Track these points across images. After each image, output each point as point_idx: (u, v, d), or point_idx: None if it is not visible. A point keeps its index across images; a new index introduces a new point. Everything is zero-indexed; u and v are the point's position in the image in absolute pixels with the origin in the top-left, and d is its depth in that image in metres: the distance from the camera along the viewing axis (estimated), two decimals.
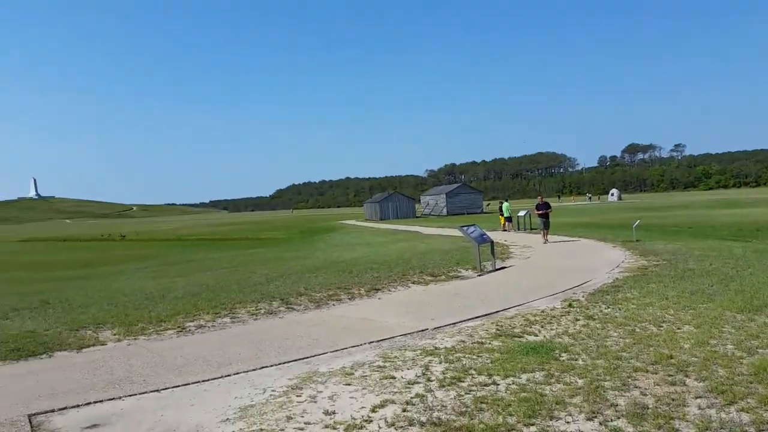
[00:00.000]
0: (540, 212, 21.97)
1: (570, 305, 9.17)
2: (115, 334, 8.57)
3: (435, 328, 8.10)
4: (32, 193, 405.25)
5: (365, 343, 7.42)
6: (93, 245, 47.28)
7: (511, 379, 5.57)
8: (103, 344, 8.04)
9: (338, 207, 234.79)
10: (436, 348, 6.93)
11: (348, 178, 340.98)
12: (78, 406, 5.54)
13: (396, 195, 72.56)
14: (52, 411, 5.42)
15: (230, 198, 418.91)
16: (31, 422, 5.11)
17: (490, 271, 13.80)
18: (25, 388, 6.10)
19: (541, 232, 21.61)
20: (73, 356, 7.48)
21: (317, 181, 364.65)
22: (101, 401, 5.64)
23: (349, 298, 10.90)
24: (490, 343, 7.01)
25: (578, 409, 4.72)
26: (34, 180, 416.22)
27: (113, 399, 5.70)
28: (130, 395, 5.79)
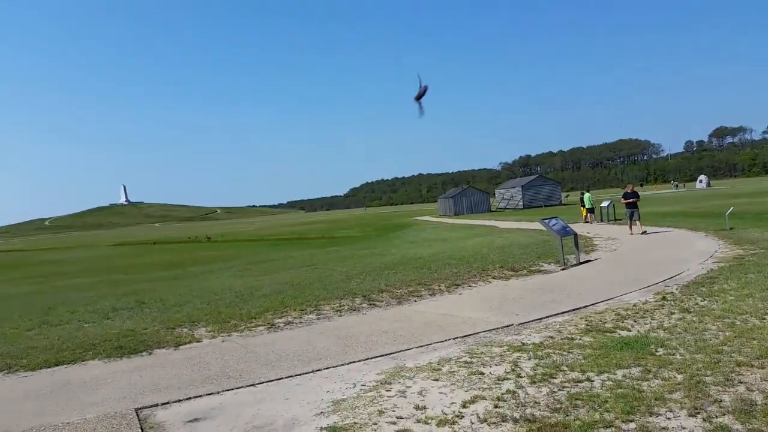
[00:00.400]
0: (628, 201, 20.82)
1: (663, 298, 8.77)
2: (209, 332, 9.00)
3: (520, 324, 7.97)
4: (122, 199, 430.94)
5: (449, 339, 7.41)
6: (181, 247, 49.73)
7: (606, 375, 5.41)
8: (198, 341, 8.45)
9: (411, 203, 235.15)
10: (523, 344, 6.82)
11: (420, 175, 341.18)
12: (180, 400, 5.86)
13: (470, 189, 71.83)
14: (156, 405, 5.76)
15: (306, 198, 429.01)
16: (138, 416, 5.45)
17: (574, 265, 13.40)
18: (130, 384, 6.51)
19: (629, 223, 20.57)
20: (172, 353, 7.92)
21: (390, 179, 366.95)
22: (200, 396, 5.94)
23: (430, 294, 10.91)
24: (580, 339, 6.83)
25: (679, 405, 4.52)
26: (124, 186, 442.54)
27: (212, 394, 5.99)
28: (228, 390, 6.06)
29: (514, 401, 4.91)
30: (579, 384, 5.22)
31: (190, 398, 5.88)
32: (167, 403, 5.80)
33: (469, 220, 46.15)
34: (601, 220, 29.08)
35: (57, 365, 7.63)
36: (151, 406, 5.72)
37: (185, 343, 8.36)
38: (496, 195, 75.85)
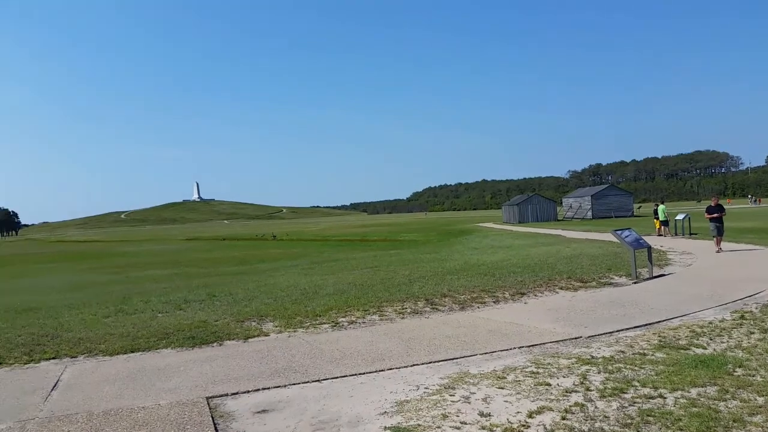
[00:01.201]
0: (713, 216, 18.97)
1: (742, 317, 8.31)
2: (276, 326, 9.24)
3: (589, 337, 7.74)
4: (195, 196, 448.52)
5: (515, 348, 7.30)
6: (249, 244, 51.24)
7: (680, 392, 5.18)
8: (266, 335, 8.69)
9: (474, 209, 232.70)
10: (593, 357, 6.63)
11: (484, 181, 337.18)
12: (248, 391, 6.04)
13: (536, 197, 70.35)
14: (226, 395, 5.95)
15: (369, 201, 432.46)
16: (209, 404, 5.65)
17: (647, 279, 12.89)
18: (201, 373, 6.76)
19: (716, 239, 19.17)
20: (241, 345, 8.17)
21: (453, 184, 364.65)
22: (268, 388, 6.10)
23: (494, 302, 10.77)
24: (653, 355, 6.57)
25: (760, 429, 4.28)
26: (197, 184, 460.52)
27: (279, 387, 6.14)
28: (294, 384, 6.20)
29: (583, 414, 4.78)
30: (651, 400, 5.02)
31: (258, 390, 6.05)
32: (236, 393, 5.99)
33: (534, 229, 45.23)
34: (676, 234, 27.84)
35: (132, 352, 8.02)
36: (221, 396, 5.92)
37: (254, 337, 8.60)
38: (563, 204, 73.91)
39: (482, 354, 7.07)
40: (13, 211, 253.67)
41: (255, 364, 7.06)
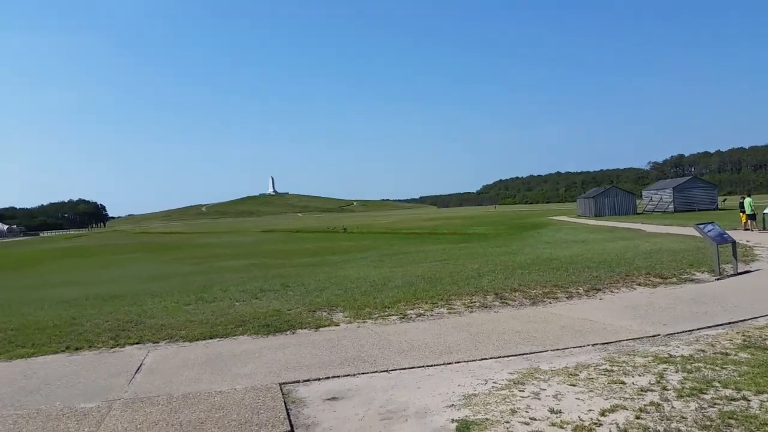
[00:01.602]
0: None
1: None
2: (346, 317, 9.41)
3: (668, 335, 7.42)
4: (270, 190, 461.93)
5: (588, 345, 7.10)
6: (320, 236, 52.26)
7: (766, 395, 4.88)
8: (336, 325, 8.87)
9: (547, 202, 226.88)
10: (670, 356, 6.35)
11: (558, 173, 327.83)
12: (319, 379, 6.20)
13: (613, 189, 67.66)
14: (298, 382, 6.14)
15: (438, 194, 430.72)
16: (281, 390, 5.85)
17: (731, 275, 12.18)
18: (275, 360, 7.00)
19: None
20: (312, 334, 8.38)
21: (525, 176, 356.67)
22: (338, 377, 6.25)
23: (567, 297, 10.50)
24: (736, 355, 6.22)
25: None
26: (272, 178, 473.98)
27: (348, 375, 6.27)
28: (363, 373, 6.31)
29: (658, 414, 4.60)
30: (733, 402, 4.77)
31: (329, 378, 6.21)
32: (308, 380, 6.16)
33: (611, 222, 43.61)
34: (764, 228, 26.09)
35: (211, 338, 8.40)
36: (293, 382, 6.11)
37: (324, 326, 8.81)
38: (643, 196, 70.78)
39: (553, 350, 6.92)
40: (101, 204, 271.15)
41: (325, 352, 7.23)
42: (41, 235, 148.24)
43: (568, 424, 4.52)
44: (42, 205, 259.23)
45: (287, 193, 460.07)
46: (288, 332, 8.56)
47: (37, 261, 37.69)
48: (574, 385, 5.48)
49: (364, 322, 8.97)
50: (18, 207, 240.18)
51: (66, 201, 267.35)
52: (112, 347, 8.12)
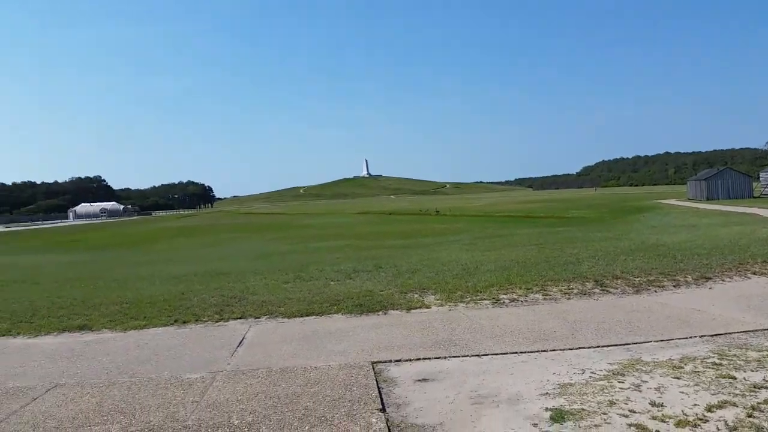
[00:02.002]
0: None
1: None
2: (437, 300, 9.41)
3: None
4: (364, 172, 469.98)
5: (696, 337, 6.66)
6: (413, 219, 52.51)
7: None
8: (427, 307, 8.89)
9: (654, 185, 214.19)
10: None
11: (667, 153, 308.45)
12: (410, 360, 6.25)
13: (727, 171, 62.70)
14: (390, 362, 6.22)
15: (535, 176, 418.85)
16: (373, 369, 5.96)
17: None
18: (367, 339, 7.13)
19: None
20: (404, 315, 8.45)
21: (630, 157, 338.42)
22: (429, 359, 6.26)
23: (674, 286, 9.88)
24: None
25: None
26: (366, 161, 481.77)
27: (439, 358, 6.27)
28: (454, 356, 6.29)
29: None
30: None
31: (420, 359, 6.25)
32: (399, 360, 6.23)
33: (724, 207, 40.52)
34: None
35: (308, 315, 8.70)
36: (385, 362, 6.20)
37: (416, 308, 8.86)
38: (760, 179, 65.06)
39: (657, 341, 6.56)
40: (208, 186, 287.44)
41: (417, 334, 7.27)
42: (153, 214, 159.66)
43: (670, 418, 4.27)
44: (154, 187, 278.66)
45: (381, 175, 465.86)
46: (380, 312, 8.69)
47: (150, 239, 40.68)
48: (678, 378, 5.17)
49: (455, 306, 8.93)
50: (132, 188, 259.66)
51: (176, 183, 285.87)
52: (216, 321, 8.62)
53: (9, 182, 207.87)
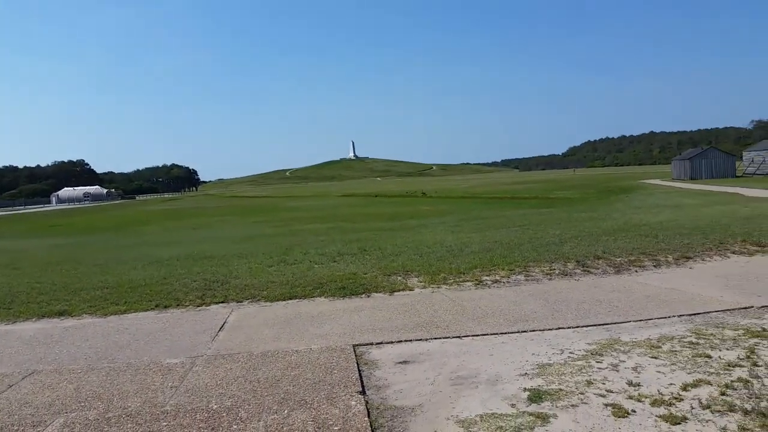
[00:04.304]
0: None
1: None
2: (420, 282, 9.42)
3: (762, 307, 6.91)
4: (351, 154, 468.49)
5: (674, 316, 6.74)
6: (399, 201, 52.53)
7: None
8: (410, 290, 8.90)
9: (639, 164, 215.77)
10: (764, 329, 5.91)
11: (652, 133, 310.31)
12: (392, 342, 6.26)
13: (711, 150, 63.31)
14: (371, 344, 6.23)
15: (521, 156, 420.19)
16: (355, 351, 5.96)
17: None
18: (350, 322, 7.13)
19: None
20: (387, 298, 8.46)
21: (615, 137, 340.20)
22: (410, 340, 6.28)
23: (654, 266, 9.98)
24: None
25: None
26: (353, 143, 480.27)
27: (421, 340, 6.29)
28: (435, 338, 6.31)
29: (746, 391, 4.30)
30: None
31: (401, 341, 6.26)
32: (381, 343, 6.24)
33: (708, 186, 40.96)
34: None
35: (290, 299, 8.67)
36: (367, 345, 6.21)
37: (399, 290, 8.87)
38: (743, 158, 65.81)
39: (636, 321, 6.62)
40: (193, 169, 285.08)
41: (399, 316, 7.28)
42: (137, 198, 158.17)
43: (646, 397, 4.32)
44: (138, 170, 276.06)
45: (367, 157, 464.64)
46: (363, 295, 8.69)
47: (134, 223, 40.33)
48: (655, 358, 5.23)
49: (438, 288, 8.95)
50: (116, 172, 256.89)
51: (160, 166, 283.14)
52: (198, 306, 8.56)
53: None
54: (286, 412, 4.41)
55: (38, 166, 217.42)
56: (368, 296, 8.64)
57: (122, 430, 4.23)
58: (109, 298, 9.30)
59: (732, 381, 4.53)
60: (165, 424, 4.32)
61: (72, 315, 8.34)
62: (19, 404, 4.88)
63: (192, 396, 4.87)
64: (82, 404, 4.81)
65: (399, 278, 9.78)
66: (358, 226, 23.82)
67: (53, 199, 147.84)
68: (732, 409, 4.03)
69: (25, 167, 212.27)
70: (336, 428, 4.08)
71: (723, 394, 4.30)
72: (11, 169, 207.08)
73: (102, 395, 5.00)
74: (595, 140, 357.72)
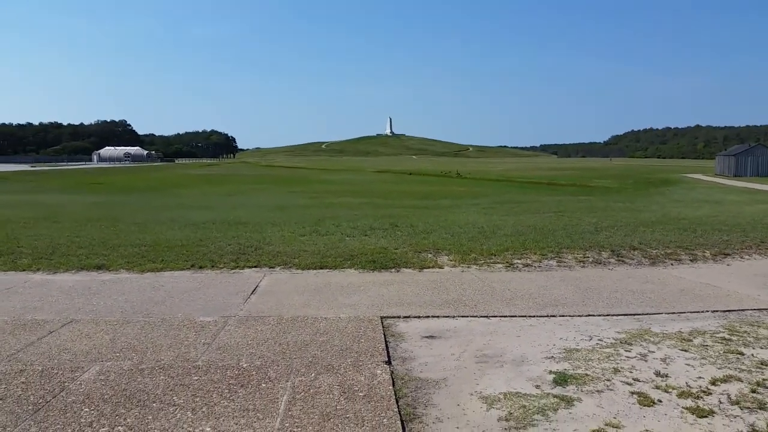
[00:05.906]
0: None
1: None
2: (450, 260, 9.42)
3: None
4: (387, 131, 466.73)
5: (707, 311, 6.60)
6: (433, 180, 52.34)
7: None
8: (440, 268, 8.91)
9: (682, 158, 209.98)
10: None
11: (698, 126, 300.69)
12: (419, 317, 6.31)
13: (759, 147, 61.04)
14: (399, 317, 6.28)
15: (561, 143, 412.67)
16: (382, 323, 6.02)
17: None
18: (379, 294, 7.19)
19: None
20: (416, 274, 8.49)
21: (660, 128, 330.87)
22: (437, 317, 6.32)
23: (691, 260, 9.77)
24: None
25: None
26: (390, 119, 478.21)
27: (448, 317, 6.32)
28: (463, 316, 6.33)
29: None
30: None
31: (428, 317, 6.30)
32: (408, 317, 6.29)
33: (752, 184, 39.66)
34: None
35: (321, 268, 8.78)
36: (394, 317, 6.27)
37: (429, 267, 8.89)
38: None
39: (668, 313, 6.52)
40: (231, 136, 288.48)
41: (427, 292, 7.32)
42: (176, 161, 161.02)
43: (673, 389, 4.28)
44: (178, 134, 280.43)
45: (404, 134, 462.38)
46: (393, 270, 8.74)
47: (172, 185, 41.15)
48: (685, 351, 5.15)
49: (468, 267, 8.93)
50: (156, 134, 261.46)
51: (200, 131, 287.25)
52: (232, 269, 8.74)
53: (36, 122, 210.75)
54: (313, 375, 4.51)
55: (81, 124, 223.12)
56: (398, 271, 8.68)
57: (155, 382, 4.39)
58: (146, 256, 9.56)
59: (764, 379, 4.45)
60: (196, 378, 4.46)
61: (110, 269, 8.61)
62: (58, 350, 5.10)
63: (223, 353, 5.01)
64: (117, 354, 5.00)
65: (429, 255, 9.79)
66: (391, 203, 23.86)
67: (94, 158, 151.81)
68: (762, 407, 3.96)
69: (69, 124, 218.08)
70: (361, 394, 4.16)
71: (753, 391, 4.22)
72: (56, 126, 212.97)
73: (136, 347, 5.18)
74: (638, 130, 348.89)
